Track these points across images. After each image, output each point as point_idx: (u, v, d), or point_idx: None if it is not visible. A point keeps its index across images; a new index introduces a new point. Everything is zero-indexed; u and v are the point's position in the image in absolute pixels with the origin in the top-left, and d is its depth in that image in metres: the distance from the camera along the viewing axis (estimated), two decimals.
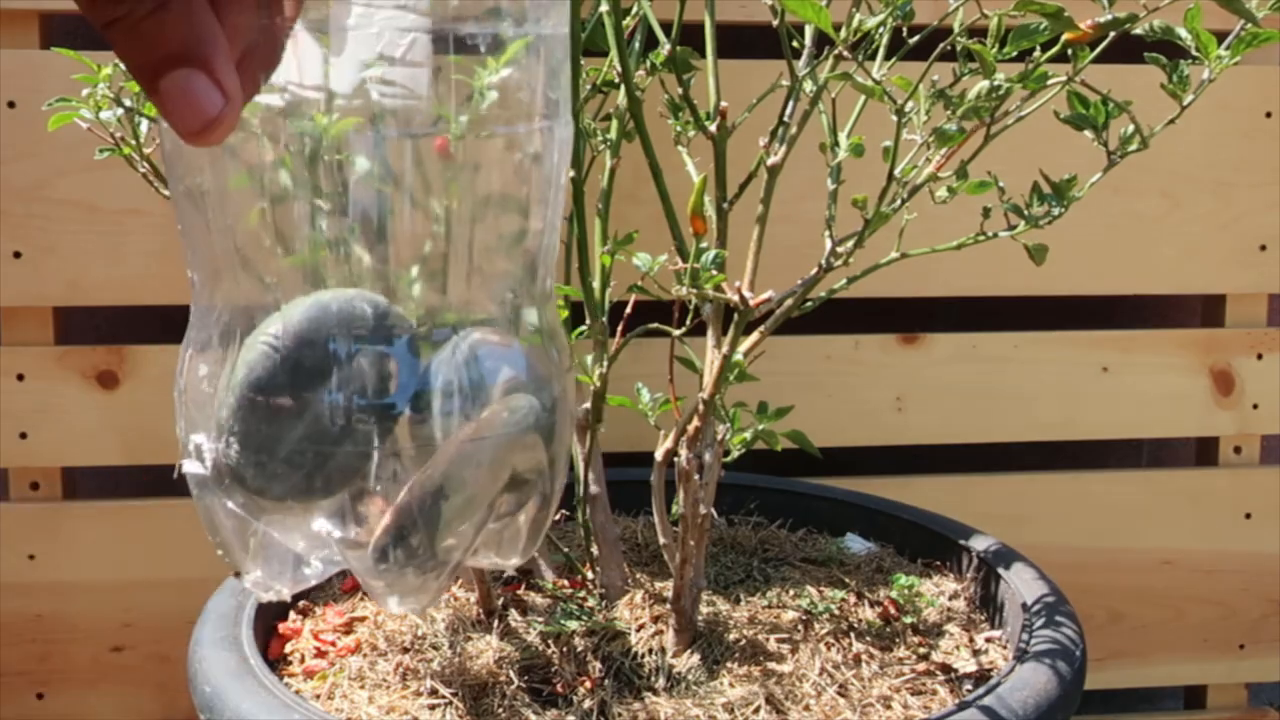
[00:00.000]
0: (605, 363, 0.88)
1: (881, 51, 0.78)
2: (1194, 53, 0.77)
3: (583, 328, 0.87)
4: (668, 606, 0.87)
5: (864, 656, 0.87)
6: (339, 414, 0.36)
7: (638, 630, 0.86)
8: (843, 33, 0.74)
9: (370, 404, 0.37)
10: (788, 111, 0.83)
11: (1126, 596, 1.40)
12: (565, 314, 0.84)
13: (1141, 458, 1.51)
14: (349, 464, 0.38)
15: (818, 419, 1.28)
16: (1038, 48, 0.75)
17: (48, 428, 1.23)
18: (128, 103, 0.83)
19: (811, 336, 1.28)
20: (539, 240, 0.41)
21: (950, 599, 0.97)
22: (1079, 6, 0.74)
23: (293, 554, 0.41)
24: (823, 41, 0.81)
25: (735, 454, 0.88)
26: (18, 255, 1.20)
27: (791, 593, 0.96)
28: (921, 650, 0.89)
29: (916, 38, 0.76)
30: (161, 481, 1.34)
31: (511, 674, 0.83)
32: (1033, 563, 0.96)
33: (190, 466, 0.40)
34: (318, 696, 0.83)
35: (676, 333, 0.83)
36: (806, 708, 0.80)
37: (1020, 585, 0.93)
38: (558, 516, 1.04)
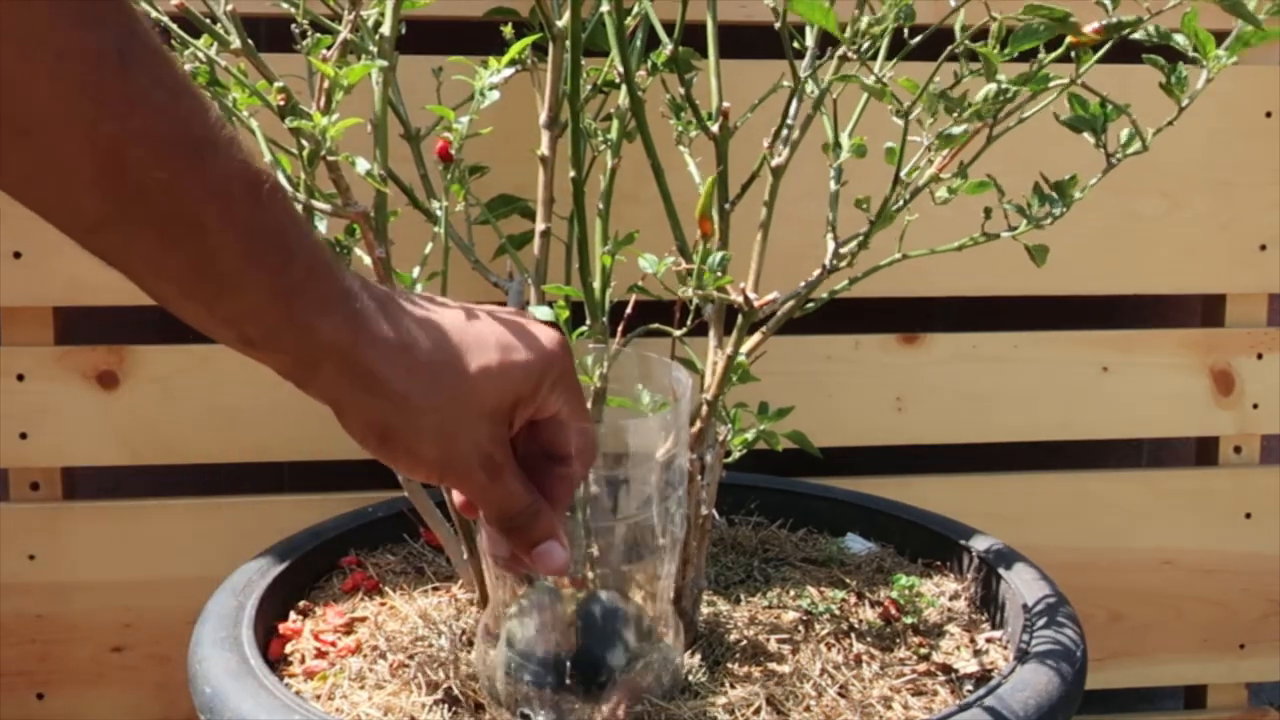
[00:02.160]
0: (606, 363, 0.88)
1: (883, 52, 0.78)
2: (1192, 53, 0.77)
3: (583, 328, 0.87)
4: None
5: (865, 657, 0.87)
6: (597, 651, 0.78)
7: None
8: (847, 33, 0.74)
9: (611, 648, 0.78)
10: (791, 112, 0.83)
11: (1126, 596, 1.40)
12: (565, 314, 0.84)
13: (1141, 458, 1.51)
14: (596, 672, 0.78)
15: (818, 419, 1.28)
16: (1041, 49, 0.75)
17: (48, 428, 1.23)
18: None
19: (811, 336, 1.28)
20: (662, 575, 0.80)
21: (951, 599, 0.97)
22: (1079, 8, 0.74)
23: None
24: (825, 42, 0.81)
25: (736, 454, 0.88)
26: (18, 255, 1.20)
27: (792, 593, 0.96)
28: (922, 651, 0.89)
29: (918, 38, 0.76)
30: (161, 481, 1.35)
31: None
32: (1033, 563, 0.96)
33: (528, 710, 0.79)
34: (318, 697, 0.83)
35: (677, 333, 0.83)
36: (807, 708, 0.80)
37: (1021, 585, 0.93)
38: None
